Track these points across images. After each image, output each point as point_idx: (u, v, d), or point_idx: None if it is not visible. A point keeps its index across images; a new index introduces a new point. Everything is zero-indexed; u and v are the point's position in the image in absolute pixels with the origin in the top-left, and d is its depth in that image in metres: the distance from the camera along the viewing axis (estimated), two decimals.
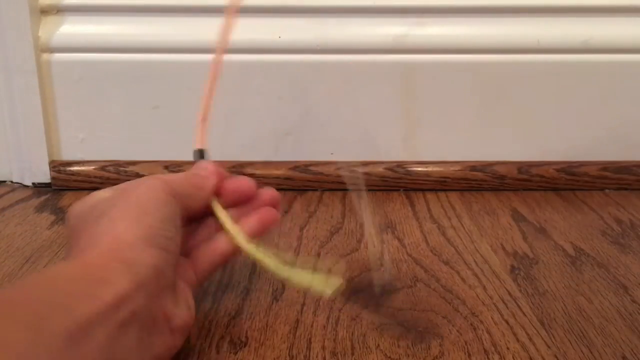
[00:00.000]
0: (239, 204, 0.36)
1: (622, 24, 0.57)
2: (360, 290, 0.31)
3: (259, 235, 0.35)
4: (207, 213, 0.36)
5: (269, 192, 0.37)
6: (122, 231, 0.27)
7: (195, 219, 0.36)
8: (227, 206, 0.36)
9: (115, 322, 0.23)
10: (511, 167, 0.58)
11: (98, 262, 0.26)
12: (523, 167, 0.58)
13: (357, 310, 0.35)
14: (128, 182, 0.34)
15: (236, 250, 0.35)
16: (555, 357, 0.31)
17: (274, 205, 0.37)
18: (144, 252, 0.27)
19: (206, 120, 0.39)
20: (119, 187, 0.33)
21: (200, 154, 0.38)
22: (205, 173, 0.35)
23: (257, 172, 0.57)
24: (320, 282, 0.32)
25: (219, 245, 0.35)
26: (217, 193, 0.36)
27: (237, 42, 0.57)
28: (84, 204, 0.31)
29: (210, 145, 0.59)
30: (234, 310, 0.35)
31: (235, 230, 0.34)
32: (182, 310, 0.29)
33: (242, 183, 0.36)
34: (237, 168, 0.57)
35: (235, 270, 0.41)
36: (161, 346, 0.27)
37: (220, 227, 0.36)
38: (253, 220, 0.35)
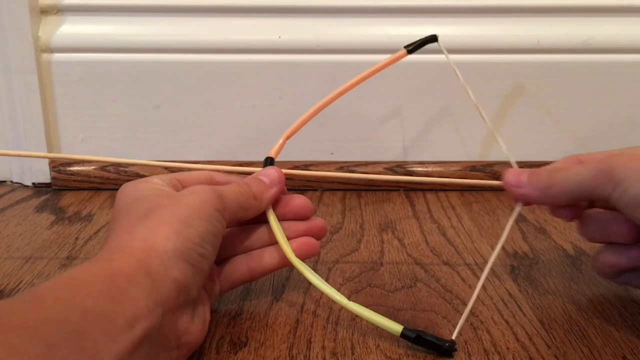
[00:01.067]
0: (290, 219, 0.36)
1: (622, 24, 0.56)
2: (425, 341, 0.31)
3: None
4: (256, 220, 0.35)
5: (320, 221, 0.37)
6: (158, 240, 0.27)
7: (243, 223, 0.36)
8: (278, 217, 0.35)
9: (127, 344, 0.23)
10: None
11: (125, 270, 0.25)
12: (523, 167, 0.58)
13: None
14: (185, 174, 0.34)
15: (272, 271, 0.35)
16: (555, 357, 0.31)
17: (320, 235, 0.36)
18: (173, 266, 0.27)
19: (290, 137, 0.39)
20: (176, 178, 0.33)
21: (269, 163, 0.38)
22: (268, 182, 0.35)
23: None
24: (379, 320, 0.32)
25: (256, 263, 0.35)
26: (274, 204, 0.35)
27: (237, 42, 0.57)
28: (135, 188, 0.31)
29: (210, 145, 0.59)
30: (234, 310, 0.35)
31: (285, 242, 0.34)
32: (196, 326, 0.29)
33: (300, 200, 0.36)
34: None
35: None
36: None
37: (263, 241, 0.35)
38: (293, 246, 0.34)
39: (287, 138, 0.39)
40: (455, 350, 0.31)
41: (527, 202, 0.36)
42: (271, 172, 0.35)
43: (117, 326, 0.23)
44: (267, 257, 0.35)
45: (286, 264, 0.35)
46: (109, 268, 0.26)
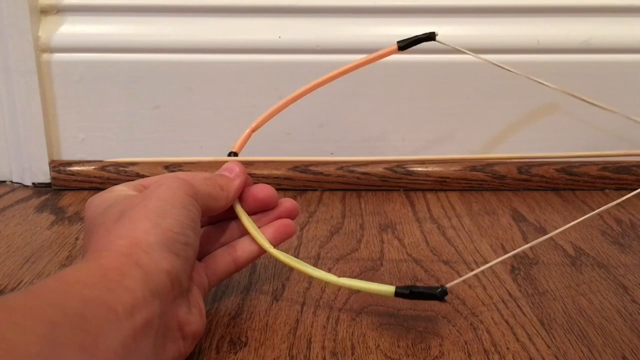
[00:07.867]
0: (259, 211, 0.36)
1: (622, 24, 0.57)
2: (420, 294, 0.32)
3: (274, 246, 0.35)
4: (226, 217, 0.36)
5: (289, 203, 0.37)
6: (140, 235, 0.27)
7: (215, 221, 0.36)
8: (247, 212, 0.36)
9: (129, 331, 0.23)
10: (511, 167, 0.58)
11: (115, 265, 0.25)
12: (523, 167, 0.58)
13: (357, 310, 0.35)
14: (150, 178, 0.34)
15: (255, 258, 0.35)
16: (555, 357, 0.31)
17: (292, 215, 0.37)
18: (160, 258, 0.27)
19: (256, 130, 0.39)
20: (141, 184, 0.33)
21: (233, 156, 0.38)
22: (231, 175, 0.35)
23: (257, 172, 0.57)
24: (372, 287, 0.32)
25: (238, 253, 0.35)
26: (240, 197, 0.36)
27: (237, 42, 0.57)
28: (103, 199, 0.31)
29: (210, 145, 0.59)
30: (234, 310, 0.35)
31: (259, 234, 0.35)
32: (194, 316, 0.29)
33: (264, 192, 0.36)
34: None
35: None
36: (173, 352, 0.27)
37: (239, 233, 0.36)
38: (269, 231, 0.35)
39: (254, 130, 0.39)
40: (447, 294, 0.31)
41: None
42: (231, 165, 0.36)
43: (117, 313, 0.23)
44: (248, 245, 0.35)
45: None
46: (99, 265, 0.25)
